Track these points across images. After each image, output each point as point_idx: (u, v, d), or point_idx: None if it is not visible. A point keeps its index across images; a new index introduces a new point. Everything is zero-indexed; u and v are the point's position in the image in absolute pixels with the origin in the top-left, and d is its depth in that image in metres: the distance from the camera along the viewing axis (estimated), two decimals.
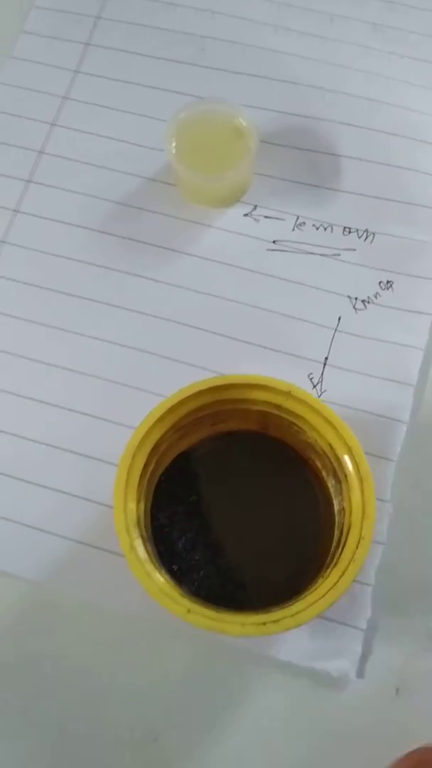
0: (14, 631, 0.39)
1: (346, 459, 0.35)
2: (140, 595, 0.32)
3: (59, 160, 0.48)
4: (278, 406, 0.36)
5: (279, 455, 0.40)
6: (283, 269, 0.45)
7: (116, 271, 0.45)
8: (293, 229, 0.46)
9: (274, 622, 0.31)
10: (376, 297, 0.44)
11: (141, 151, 0.48)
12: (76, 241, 0.46)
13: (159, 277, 0.45)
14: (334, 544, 0.35)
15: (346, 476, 0.35)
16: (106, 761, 0.37)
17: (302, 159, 0.48)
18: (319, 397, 0.42)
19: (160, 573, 0.33)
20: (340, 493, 0.35)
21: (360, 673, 0.38)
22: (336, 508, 0.36)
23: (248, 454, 0.40)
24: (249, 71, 0.50)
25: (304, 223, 0.46)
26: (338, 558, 0.33)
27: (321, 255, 0.45)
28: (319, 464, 0.37)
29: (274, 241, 0.46)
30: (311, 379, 0.43)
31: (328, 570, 0.33)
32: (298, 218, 0.46)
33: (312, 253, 0.45)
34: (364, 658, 0.38)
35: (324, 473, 0.37)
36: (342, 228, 0.46)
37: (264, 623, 0.31)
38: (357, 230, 0.46)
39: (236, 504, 0.39)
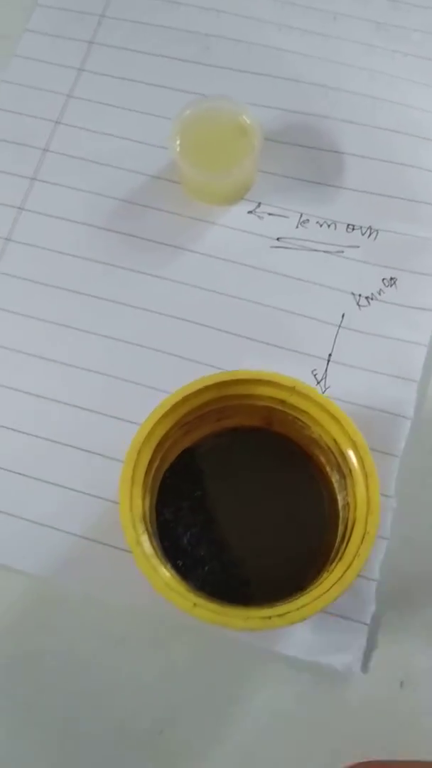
0: (20, 626, 0.39)
1: (351, 454, 0.35)
2: (145, 590, 0.32)
3: (63, 157, 0.48)
4: (283, 402, 0.36)
5: (283, 451, 0.40)
6: (286, 266, 0.45)
7: (121, 268, 0.45)
8: (297, 227, 0.46)
9: (279, 616, 0.32)
10: (379, 294, 0.45)
11: (145, 148, 0.48)
12: (80, 238, 0.46)
13: (163, 274, 0.45)
14: (339, 539, 0.35)
15: (350, 471, 0.35)
16: (112, 754, 0.37)
17: (306, 156, 0.48)
18: (323, 393, 0.42)
19: (165, 568, 0.33)
20: (345, 489, 0.35)
21: (364, 668, 0.38)
22: (340, 503, 0.36)
23: (252, 450, 0.40)
24: (253, 69, 0.50)
25: (307, 220, 0.46)
26: (343, 553, 0.33)
27: (325, 252, 0.46)
28: (323, 459, 0.38)
29: (278, 238, 0.46)
30: (315, 376, 0.43)
31: (333, 565, 0.33)
32: (301, 215, 0.46)
33: (316, 250, 0.46)
34: (368, 652, 0.38)
35: (328, 468, 0.37)
36: (345, 225, 0.46)
37: (269, 617, 0.32)
38: (360, 227, 0.46)
39: (241, 500, 0.39)
